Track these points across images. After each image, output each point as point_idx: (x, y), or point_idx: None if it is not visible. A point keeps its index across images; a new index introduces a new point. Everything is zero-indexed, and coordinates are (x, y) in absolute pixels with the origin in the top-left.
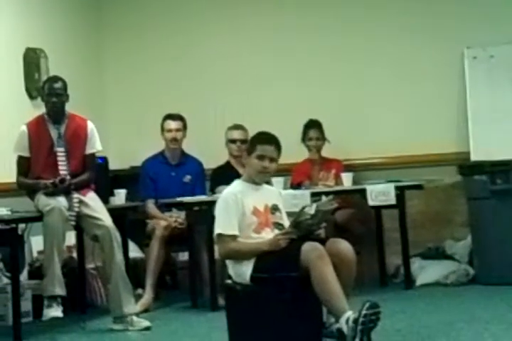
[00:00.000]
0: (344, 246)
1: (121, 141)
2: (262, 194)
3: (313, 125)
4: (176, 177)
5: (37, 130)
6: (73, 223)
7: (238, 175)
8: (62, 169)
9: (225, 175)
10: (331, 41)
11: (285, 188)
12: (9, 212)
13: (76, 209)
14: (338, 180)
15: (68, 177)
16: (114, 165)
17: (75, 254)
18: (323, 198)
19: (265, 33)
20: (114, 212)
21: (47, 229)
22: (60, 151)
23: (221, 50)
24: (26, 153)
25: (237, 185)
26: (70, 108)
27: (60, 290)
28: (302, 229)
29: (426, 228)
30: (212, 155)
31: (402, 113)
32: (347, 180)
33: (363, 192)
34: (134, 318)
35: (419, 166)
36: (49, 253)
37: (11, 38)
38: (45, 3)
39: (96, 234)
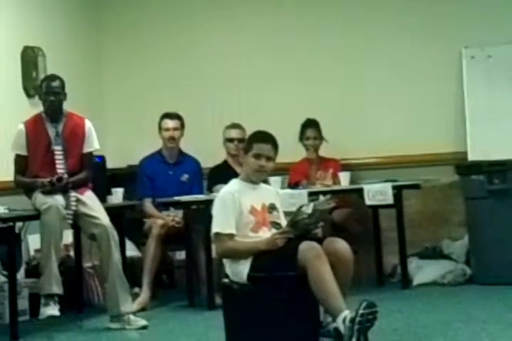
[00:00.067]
0: (341, 245)
1: (119, 139)
2: (259, 193)
3: (310, 124)
4: (173, 176)
5: (34, 128)
6: (70, 222)
7: (236, 174)
8: (60, 168)
9: (223, 174)
10: (330, 41)
11: (283, 187)
12: (6, 211)
13: (73, 208)
14: (335, 180)
15: (66, 175)
16: (111, 163)
17: (72, 253)
18: (321, 197)
19: (264, 33)
20: (112, 211)
21: (44, 227)
22: (58, 150)
23: (220, 49)
24: (24, 152)
25: (234, 184)
26: (68, 107)
27: (57, 288)
28: (299, 229)
29: (423, 228)
30: (209, 154)
31: (399, 112)
32: (344, 180)
33: (360, 191)
34: (131, 317)
35: (417, 166)
36: (46, 251)
37: (9, 37)
38: (44, 2)
39: (93, 232)
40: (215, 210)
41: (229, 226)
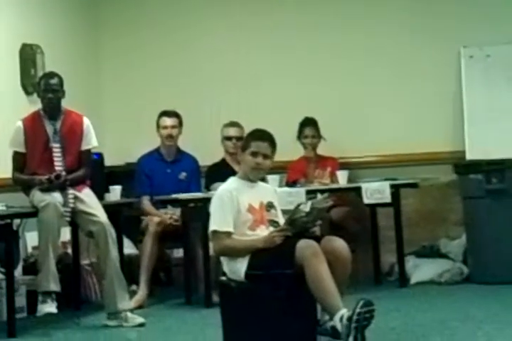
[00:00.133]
0: (339, 243)
1: (117, 137)
2: (257, 191)
3: (308, 123)
4: (171, 174)
5: (33, 126)
6: (68, 219)
7: (233, 173)
8: (58, 165)
9: (221, 172)
10: (329, 39)
11: (280, 186)
12: (4, 208)
13: (71, 205)
14: (333, 178)
15: (64, 173)
16: (109, 161)
17: (69, 250)
18: (319, 196)
19: (263, 31)
20: (109, 209)
21: (42, 224)
22: (56, 147)
23: (218, 47)
24: (22, 149)
25: (232, 182)
26: (66, 104)
27: (54, 286)
28: (297, 227)
29: (421, 226)
30: (207, 152)
31: (398, 111)
32: (342, 178)
33: (358, 190)
34: (129, 314)
35: (415, 164)
36: (44, 249)
37: (8, 34)
38: (43, 0)
39: (91, 230)
40: (213, 208)
41: (227, 224)
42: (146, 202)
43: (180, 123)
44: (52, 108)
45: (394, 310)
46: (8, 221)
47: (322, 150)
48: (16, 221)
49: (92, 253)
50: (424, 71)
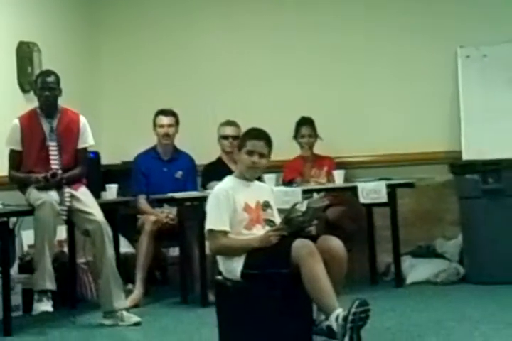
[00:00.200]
0: (335, 243)
1: (114, 135)
2: (253, 190)
3: (305, 122)
4: (167, 172)
5: (29, 124)
6: (64, 217)
7: (230, 172)
8: (54, 163)
9: (217, 171)
10: (327, 39)
11: (277, 185)
12: (0, 206)
13: (67, 204)
14: (329, 178)
15: (60, 171)
16: (106, 159)
17: (65, 249)
18: (315, 195)
19: (261, 31)
20: (106, 207)
21: (38, 223)
22: (52, 145)
23: (216, 47)
24: (18, 147)
25: (228, 181)
26: (63, 102)
27: (50, 284)
28: (293, 226)
29: (417, 226)
30: (204, 151)
31: (395, 111)
32: (339, 178)
33: (354, 189)
34: (124, 313)
35: (411, 164)
36: (40, 247)
37: (4, 32)
38: None
39: (87, 228)
40: (209, 207)
41: (223, 223)
42: (142, 201)
43: (177, 122)
44: (48, 106)
45: (390, 310)
46: (5, 219)
47: (319, 149)
48: (12, 219)
49: (88, 252)
50: (420, 71)
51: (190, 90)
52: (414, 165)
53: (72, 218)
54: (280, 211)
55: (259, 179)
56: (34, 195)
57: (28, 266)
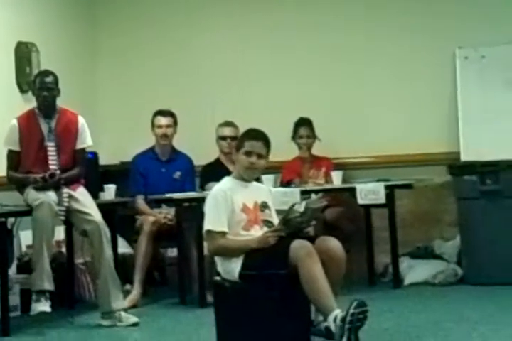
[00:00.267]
0: (334, 243)
1: (112, 136)
2: (251, 191)
3: (303, 123)
4: (165, 173)
5: (27, 124)
6: (62, 218)
7: (228, 172)
8: (53, 164)
9: (215, 171)
10: (325, 39)
11: (275, 186)
12: None
13: (65, 204)
14: (328, 179)
15: (58, 171)
16: (104, 160)
17: (64, 249)
18: (313, 196)
19: (261, 31)
20: (104, 208)
21: (36, 223)
22: (51, 146)
23: (215, 46)
24: (16, 147)
25: (226, 181)
26: (61, 102)
27: (48, 284)
28: (291, 227)
29: (415, 227)
30: (202, 151)
31: (393, 112)
32: (337, 179)
33: (352, 190)
34: (122, 314)
35: (409, 165)
36: (38, 247)
37: (3, 32)
38: None
39: (85, 229)
40: (207, 208)
41: (221, 224)
42: (140, 202)
43: (175, 123)
44: (47, 106)
45: (388, 311)
46: (3, 219)
47: (317, 150)
48: (10, 219)
49: (86, 253)
50: (418, 72)
51: (189, 91)
52: (413, 166)
53: (71, 218)
54: (278, 212)
55: (258, 180)
56: (32, 195)
57: (26, 267)
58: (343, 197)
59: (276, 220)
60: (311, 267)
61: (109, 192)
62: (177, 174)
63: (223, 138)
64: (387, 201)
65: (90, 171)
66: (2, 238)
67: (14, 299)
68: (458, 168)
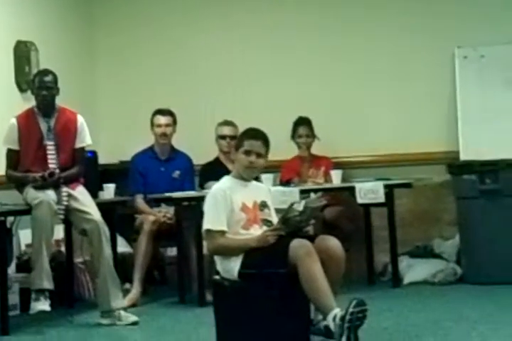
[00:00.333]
0: (333, 243)
1: (112, 135)
2: (250, 190)
3: (302, 122)
4: (165, 172)
5: (27, 123)
6: (62, 217)
7: (227, 171)
8: (52, 163)
9: (214, 171)
10: (324, 39)
11: (274, 185)
12: None
13: (65, 203)
14: (327, 178)
15: (57, 170)
16: (103, 159)
17: (63, 248)
18: (312, 195)
19: (259, 31)
20: (103, 207)
21: (35, 222)
22: (50, 145)
23: (214, 45)
24: (16, 146)
25: (226, 181)
26: (60, 101)
27: (47, 283)
28: (291, 226)
29: (414, 226)
30: (201, 151)
31: (392, 111)
32: (336, 178)
33: (351, 189)
34: (122, 313)
35: (409, 165)
36: (37, 246)
37: (2, 31)
38: None
39: (84, 228)
40: (207, 207)
41: (220, 223)
42: (139, 201)
43: (175, 122)
44: (46, 105)
45: (387, 310)
46: (2, 218)
47: (316, 149)
48: (10, 218)
49: (86, 252)
50: (418, 71)
51: (188, 90)
52: (412, 166)
53: (70, 217)
54: (277, 211)
55: (257, 179)
56: (31, 194)
57: (25, 265)
58: (343, 196)
59: (275, 219)
60: (311, 266)
61: (109, 191)
62: (176, 173)
63: (222, 137)
64: (387, 200)
65: (89, 170)
66: (1, 237)
67: (13, 298)
68: (457, 167)
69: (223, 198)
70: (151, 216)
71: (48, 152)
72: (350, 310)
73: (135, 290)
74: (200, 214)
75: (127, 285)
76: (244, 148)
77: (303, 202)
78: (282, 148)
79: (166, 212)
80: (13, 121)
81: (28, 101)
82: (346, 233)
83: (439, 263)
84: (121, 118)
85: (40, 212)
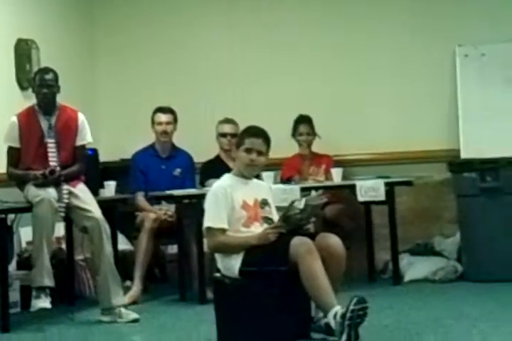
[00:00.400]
0: (334, 240)
1: (112, 133)
2: (251, 188)
3: (303, 120)
4: (166, 170)
5: (27, 121)
6: (62, 214)
7: (228, 169)
8: (53, 160)
9: (215, 168)
10: (325, 37)
11: (275, 183)
12: None
13: (66, 201)
14: (328, 176)
15: (58, 168)
16: (104, 157)
17: (64, 246)
18: (313, 193)
19: (260, 28)
20: (104, 204)
21: (36, 220)
22: (51, 142)
23: (215, 44)
24: (16, 144)
25: (226, 178)
26: (61, 99)
27: (48, 281)
28: (291, 224)
29: (415, 224)
30: (202, 148)
31: (393, 110)
32: (337, 176)
33: (352, 187)
34: (123, 310)
35: (409, 163)
36: (38, 244)
37: (3, 29)
38: None
39: (85, 225)
40: (207, 205)
41: (221, 220)
42: (140, 198)
43: (175, 120)
44: (47, 103)
45: (387, 307)
46: (3, 216)
47: (317, 147)
48: (10, 216)
49: (86, 249)
50: (419, 70)
51: (189, 88)
52: (413, 164)
53: (71, 215)
54: (278, 209)
55: (258, 177)
56: (32, 191)
57: (26, 263)
58: (343, 194)
59: (276, 217)
60: (311, 264)
61: (109, 188)
62: (177, 171)
63: (223, 135)
64: (387, 198)
65: (90, 168)
66: (2, 234)
67: (14, 295)
68: (458, 165)
69: (224, 196)
70: (152, 213)
71: (49, 150)
72: (351, 307)
73: (136, 287)
74: (201, 212)
75: (128, 283)
76: (245, 146)
77: (303, 200)
78: (283, 146)
79: (166, 210)
80: (14, 119)
81: (28, 99)
82: (347, 231)
83: (440, 261)
84: (122, 116)
85: (41, 209)
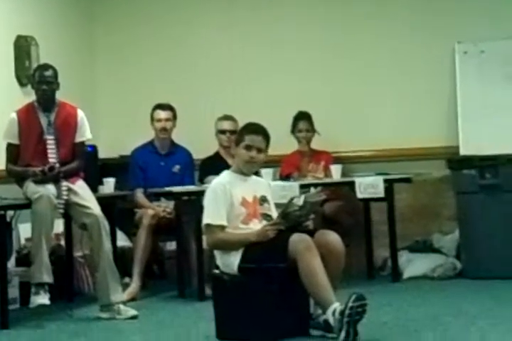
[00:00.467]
0: (333, 237)
1: (111, 129)
2: (250, 185)
3: (302, 117)
4: (165, 166)
5: (27, 117)
6: (61, 211)
7: (227, 166)
8: (52, 157)
9: (214, 165)
10: (324, 35)
11: (274, 179)
12: None
13: (65, 197)
14: (327, 172)
15: (57, 165)
16: (103, 153)
17: (63, 242)
18: (312, 190)
19: (259, 26)
20: (103, 201)
21: (35, 216)
22: (50, 139)
23: (214, 41)
24: (16, 141)
25: (226, 175)
26: (60, 96)
27: (47, 277)
28: (290, 221)
29: (414, 221)
30: (201, 145)
31: (392, 106)
32: (336, 173)
33: (351, 184)
34: (121, 307)
35: (408, 159)
36: (37, 240)
37: (2, 25)
38: None
39: (84, 222)
40: (207, 201)
41: (220, 217)
42: (139, 195)
43: (175, 117)
44: (46, 100)
45: (386, 304)
46: (2, 212)
47: (316, 144)
48: (10, 212)
49: (85, 246)
50: (418, 67)
51: (188, 85)
52: (412, 161)
53: (70, 211)
54: (277, 205)
55: (257, 173)
56: (31, 188)
57: (25, 259)
58: (342, 190)
59: (275, 214)
60: (310, 261)
61: (109, 185)
62: (176, 167)
63: (222, 131)
64: (386, 195)
65: (89, 164)
66: (1, 231)
67: (13, 292)
68: (457, 162)
69: (223, 193)
70: (150, 210)
71: (48, 146)
72: (350, 304)
73: (134, 284)
74: (200, 209)
75: (127, 280)
76: (244, 142)
77: (303, 197)
78: (282, 143)
79: (165, 207)
80: (13, 115)
81: (28, 96)
82: (346, 228)
83: (439, 258)
84: (122, 112)
85: (40, 206)
